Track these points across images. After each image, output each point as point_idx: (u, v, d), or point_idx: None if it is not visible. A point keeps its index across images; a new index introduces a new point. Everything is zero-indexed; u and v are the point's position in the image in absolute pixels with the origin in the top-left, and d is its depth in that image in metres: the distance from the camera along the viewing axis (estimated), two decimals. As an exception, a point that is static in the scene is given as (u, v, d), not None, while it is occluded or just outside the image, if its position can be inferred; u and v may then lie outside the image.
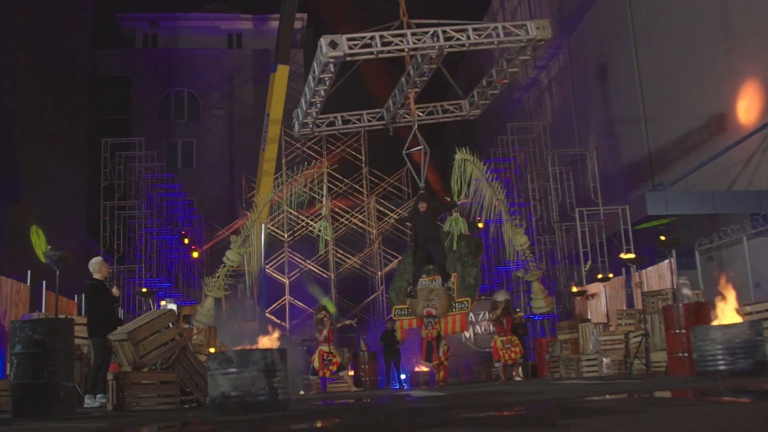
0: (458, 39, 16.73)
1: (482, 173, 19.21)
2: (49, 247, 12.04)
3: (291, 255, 29.49)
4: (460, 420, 5.52)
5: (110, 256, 27.84)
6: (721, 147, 21.00)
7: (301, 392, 18.44)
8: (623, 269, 20.04)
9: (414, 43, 16.50)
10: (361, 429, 5.21)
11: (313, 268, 29.46)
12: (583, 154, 27.55)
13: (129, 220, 28.78)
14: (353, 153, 31.05)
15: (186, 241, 31.50)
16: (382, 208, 30.55)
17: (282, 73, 27.37)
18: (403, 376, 22.74)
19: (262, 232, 23.45)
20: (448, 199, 17.96)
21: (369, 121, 21.80)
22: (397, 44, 16.43)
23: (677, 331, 12.19)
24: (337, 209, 29.94)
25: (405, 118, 20.91)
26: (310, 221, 28.79)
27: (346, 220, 30.35)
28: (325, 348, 17.59)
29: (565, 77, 33.36)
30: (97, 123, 34.39)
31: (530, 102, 37.77)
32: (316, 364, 17.63)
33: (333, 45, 16.05)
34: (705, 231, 17.90)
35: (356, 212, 30.58)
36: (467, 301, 17.88)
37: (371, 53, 16.49)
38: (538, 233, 29.15)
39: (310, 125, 20.58)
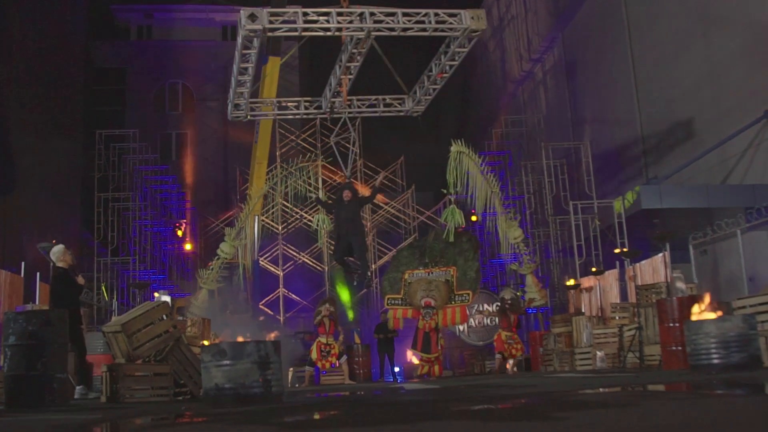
0: (387, 23, 16.29)
1: (477, 166, 19.21)
2: (54, 241, 11.93)
3: (285, 247, 29.47)
4: (454, 413, 5.52)
5: (104, 248, 27.82)
6: (715, 140, 21.02)
7: (296, 385, 18.44)
8: (617, 262, 20.07)
9: (339, 23, 16.08)
10: (355, 422, 5.21)
11: (307, 260, 29.45)
12: (578, 148, 27.56)
13: (123, 211, 28.73)
14: (347, 145, 30.99)
15: (179, 233, 31.46)
16: (376, 201, 30.52)
17: (273, 64, 27.41)
18: (397, 369, 22.75)
19: (256, 224, 23.42)
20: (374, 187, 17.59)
21: (306, 108, 21.45)
22: (321, 23, 16.00)
23: (671, 324, 12.22)
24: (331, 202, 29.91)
25: (343, 108, 20.59)
26: (305, 214, 28.80)
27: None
28: (323, 339, 17.61)
29: (559, 70, 33.36)
30: (91, 114, 34.33)
31: (525, 95, 37.76)
32: (314, 355, 17.65)
33: (252, 18, 15.62)
34: (699, 224, 17.93)
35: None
36: (468, 294, 17.94)
37: (294, 30, 16.09)
38: (532, 226, 29.15)
39: (243, 107, 20.21)
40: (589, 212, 24.31)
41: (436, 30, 16.49)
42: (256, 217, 23.11)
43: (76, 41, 31.55)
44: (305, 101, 21.50)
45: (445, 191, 19.49)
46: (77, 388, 10.88)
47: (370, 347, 22.56)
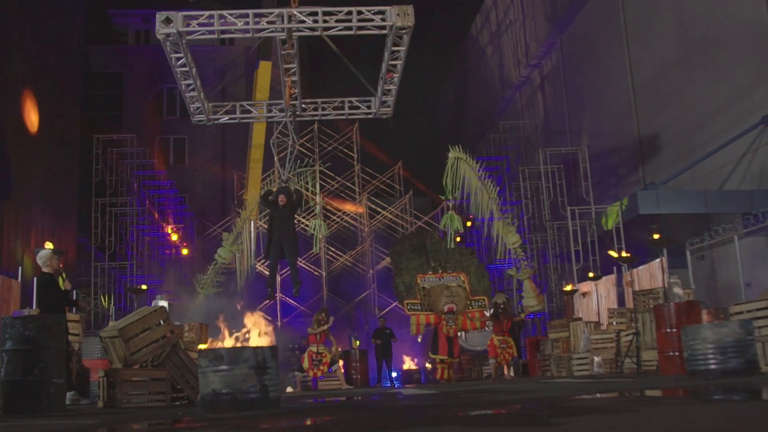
0: (309, 23, 15.63)
1: (475, 172, 19.26)
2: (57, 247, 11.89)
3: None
4: (451, 418, 5.52)
5: (101, 253, 27.81)
6: (713, 146, 21.04)
7: (289, 389, 18.45)
8: (614, 268, 20.08)
9: (255, 24, 15.55)
10: (353, 427, 5.21)
11: (304, 265, 29.43)
12: (575, 153, 27.57)
13: (120, 216, 28.74)
14: (345, 151, 31.04)
15: (174, 237, 31.43)
16: (374, 206, 30.55)
17: (264, 68, 27.51)
18: (394, 374, 22.73)
19: (253, 229, 23.40)
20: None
21: (270, 111, 20.99)
22: (239, 26, 15.52)
23: (668, 330, 12.23)
24: (329, 207, 29.94)
25: (305, 111, 20.15)
26: (302, 219, 28.79)
27: (338, 217, 30.34)
28: (314, 348, 17.73)
29: (557, 76, 33.38)
30: (89, 119, 34.31)
31: (522, 100, 37.79)
32: (305, 364, 17.77)
33: (167, 21, 15.28)
34: (696, 230, 17.94)
35: (348, 209, 30.59)
36: (484, 299, 18.53)
37: (212, 32, 15.66)
38: (529, 232, 29.17)
39: (205, 111, 19.81)
40: (586, 217, 24.32)
41: (361, 29, 15.79)
42: (253, 222, 23.07)
43: (73, 46, 31.54)
44: (269, 105, 21.07)
45: (443, 197, 19.55)
46: (68, 393, 10.83)
47: (367, 352, 22.55)
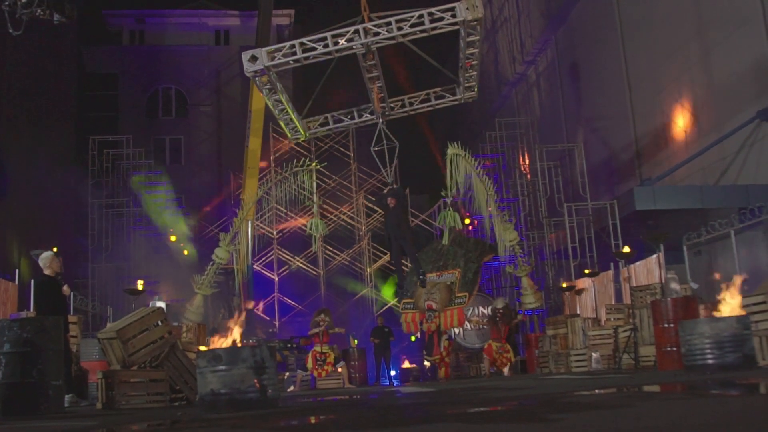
0: (384, 34, 15.97)
1: (473, 168, 19.27)
2: (55, 249, 11.86)
3: (280, 252, 29.47)
4: (449, 416, 5.53)
5: (99, 254, 27.77)
6: (708, 141, 21.06)
7: (291, 388, 18.48)
8: (612, 264, 20.10)
9: (334, 45, 15.92)
10: (351, 425, 5.21)
11: (302, 264, 29.44)
12: (571, 149, 27.58)
13: (117, 218, 28.68)
14: (341, 149, 31.04)
15: (173, 238, 31.38)
16: (371, 205, 30.55)
17: None
18: (393, 373, 22.73)
19: (250, 229, 23.38)
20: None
21: (360, 116, 21.22)
22: (320, 49, 15.86)
23: (666, 325, 12.26)
24: (326, 206, 29.94)
25: (394, 110, 20.33)
26: (299, 218, 28.80)
27: (335, 216, 30.33)
28: (317, 348, 17.83)
29: (552, 72, 33.40)
30: (84, 120, 34.26)
31: (518, 97, 37.81)
32: (309, 364, 17.85)
33: (253, 59, 15.70)
34: (693, 225, 17.97)
35: (345, 208, 30.59)
36: (465, 295, 18.34)
37: (298, 61, 16.06)
38: (526, 229, 29.17)
39: (301, 128, 20.16)
40: (583, 214, 24.33)
41: (434, 29, 16.12)
42: (250, 222, 23.05)
43: (67, 47, 31.49)
44: (358, 110, 21.19)
45: (443, 194, 19.58)
46: (66, 396, 10.79)
47: (365, 351, 22.57)
